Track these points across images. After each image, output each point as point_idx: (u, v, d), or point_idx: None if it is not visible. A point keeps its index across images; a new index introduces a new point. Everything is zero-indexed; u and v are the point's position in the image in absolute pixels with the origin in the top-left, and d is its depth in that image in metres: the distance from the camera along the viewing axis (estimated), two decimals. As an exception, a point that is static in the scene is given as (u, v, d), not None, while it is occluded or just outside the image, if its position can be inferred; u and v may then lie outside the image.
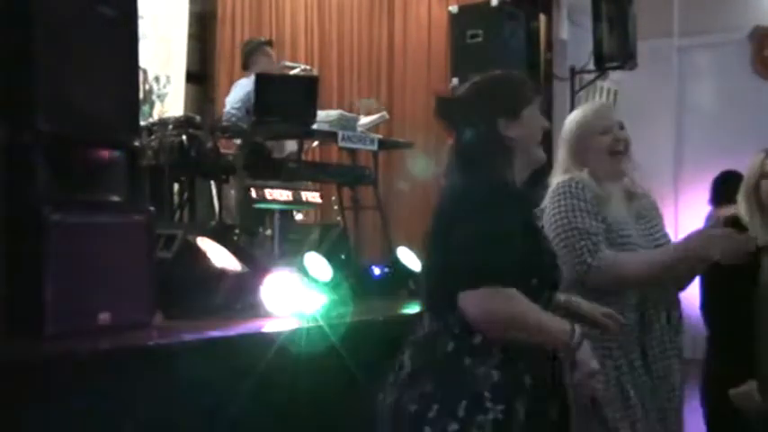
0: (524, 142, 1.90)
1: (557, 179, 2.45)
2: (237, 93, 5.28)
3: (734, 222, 2.79)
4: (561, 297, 2.07)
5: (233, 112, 5.15)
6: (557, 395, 1.88)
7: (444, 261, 1.82)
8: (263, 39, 5.85)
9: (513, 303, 1.75)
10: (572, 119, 2.59)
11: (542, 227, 2.27)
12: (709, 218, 5.82)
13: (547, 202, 2.42)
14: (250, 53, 5.49)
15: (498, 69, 2.04)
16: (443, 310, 1.81)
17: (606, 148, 2.49)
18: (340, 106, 6.11)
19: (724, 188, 5.63)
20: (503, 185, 1.87)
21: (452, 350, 1.78)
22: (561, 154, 2.52)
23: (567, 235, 2.31)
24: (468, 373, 1.76)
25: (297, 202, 4.40)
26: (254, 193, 4.12)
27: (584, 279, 2.30)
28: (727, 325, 2.80)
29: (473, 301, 1.73)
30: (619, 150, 2.51)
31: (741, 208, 2.84)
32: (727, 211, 5.56)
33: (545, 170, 2.28)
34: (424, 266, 2.01)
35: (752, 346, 2.70)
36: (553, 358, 1.88)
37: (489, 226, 1.77)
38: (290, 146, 5.22)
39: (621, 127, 2.60)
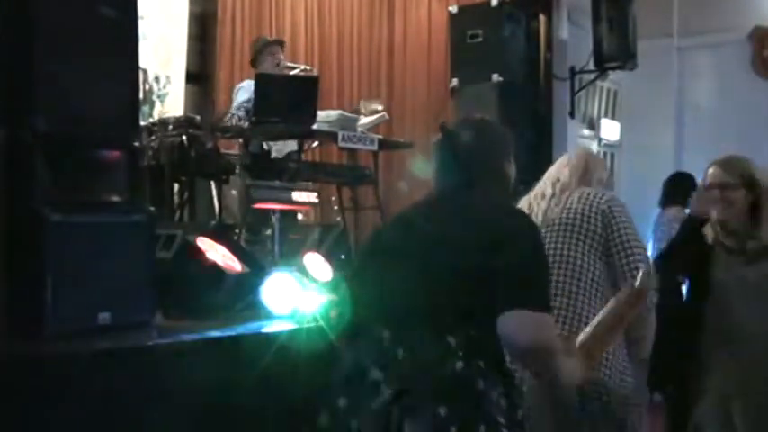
0: (512, 182, 2.10)
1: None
2: (243, 95, 5.28)
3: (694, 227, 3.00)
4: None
5: (241, 114, 5.15)
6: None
7: (487, 278, 1.77)
8: (270, 38, 5.85)
9: (556, 337, 1.85)
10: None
11: None
12: (657, 219, 5.89)
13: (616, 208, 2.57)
14: (258, 52, 5.50)
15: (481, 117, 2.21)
16: (448, 329, 1.77)
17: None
18: (340, 106, 6.11)
19: (672, 189, 5.73)
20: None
21: (462, 371, 1.73)
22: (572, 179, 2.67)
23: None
24: (484, 397, 1.72)
25: (297, 202, 4.39)
26: (254, 193, 4.11)
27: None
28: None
29: (529, 324, 1.73)
30: None
31: None
32: (676, 212, 5.73)
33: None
34: (419, 283, 1.86)
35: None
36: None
37: (542, 253, 1.89)
38: (290, 146, 5.22)
39: None
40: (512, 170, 2.09)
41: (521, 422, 1.79)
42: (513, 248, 1.79)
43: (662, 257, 3.19)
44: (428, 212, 2.01)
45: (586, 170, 2.75)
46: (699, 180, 5.91)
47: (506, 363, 1.85)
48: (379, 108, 5.41)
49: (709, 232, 2.94)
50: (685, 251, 3.02)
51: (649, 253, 5.92)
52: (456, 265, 1.81)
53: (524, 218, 2.04)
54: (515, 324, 1.72)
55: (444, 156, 2.06)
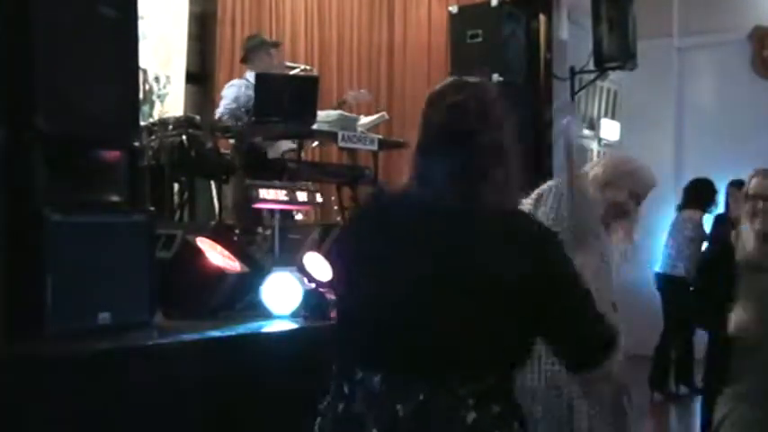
0: (518, 161, 1.71)
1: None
2: (231, 92, 5.28)
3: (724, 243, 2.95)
4: None
5: (226, 111, 5.16)
6: None
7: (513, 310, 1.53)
8: (268, 38, 5.85)
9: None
10: None
11: None
12: (674, 222, 6.01)
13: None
14: (252, 49, 5.49)
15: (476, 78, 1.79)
16: (457, 377, 1.52)
17: None
18: (339, 103, 6.11)
19: (690, 194, 5.92)
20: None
21: (474, 423, 1.51)
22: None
23: None
24: None
25: (296, 202, 4.39)
26: (253, 193, 4.11)
27: None
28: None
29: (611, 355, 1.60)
30: None
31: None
32: (691, 213, 5.82)
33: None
34: (415, 311, 1.56)
35: None
36: None
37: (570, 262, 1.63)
38: (285, 145, 5.22)
39: None
40: (515, 147, 1.70)
41: None
42: (548, 277, 1.55)
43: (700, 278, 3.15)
44: (415, 214, 1.64)
45: None
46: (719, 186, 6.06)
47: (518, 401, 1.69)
48: (368, 97, 5.40)
49: (740, 243, 2.84)
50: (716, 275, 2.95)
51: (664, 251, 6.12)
52: (467, 293, 1.53)
53: (535, 223, 1.71)
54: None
55: (430, 131, 1.68)
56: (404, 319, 1.55)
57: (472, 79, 1.73)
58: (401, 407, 1.51)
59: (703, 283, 3.04)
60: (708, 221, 6.09)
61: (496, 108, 1.69)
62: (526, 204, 2.53)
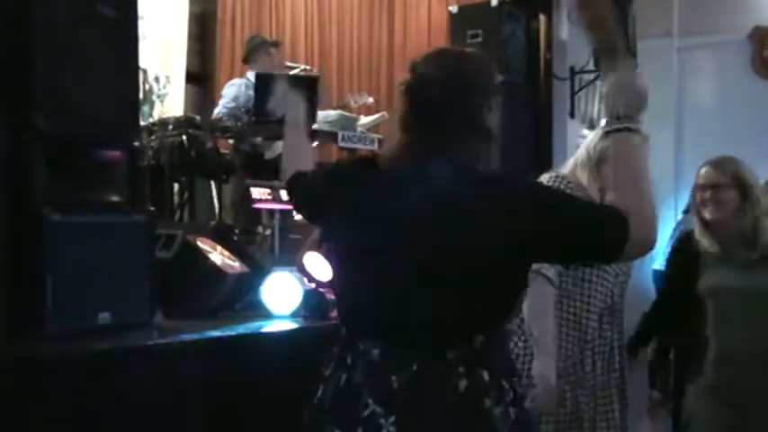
0: (495, 134, 1.73)
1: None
2: (231, 91, 5.29)
3: (686, 235, 3.04)
4: None
5: (224, 111, 5.16)
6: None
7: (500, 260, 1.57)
8: (269, 38, 5.86)
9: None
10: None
11: None
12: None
13: None
14: (253, 49, 5.51)
15: (459, 48, 1.87)
16: (447, 341, 1.59)
17: None
18: (340, 107, 6.11)
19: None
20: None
21: (466, 390, 1.57)
22: (583, 178, 2.59)
23: None
24: (490, 416, 1.58)
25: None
26: (253, 193, 4.12)
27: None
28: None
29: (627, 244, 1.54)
30: None
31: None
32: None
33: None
34: (405, 284, 1.61)
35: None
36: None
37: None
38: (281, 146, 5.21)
39: None
40: (494, 119, 1.70)
41: (527, 420, 1.70)
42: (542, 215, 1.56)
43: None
44: (392, 185, 1.66)
45: None
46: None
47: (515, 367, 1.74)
48: (369, 101, 5.40)
49: (701, 237, 2.90)
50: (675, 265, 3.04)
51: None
52: (448, 257, 1.57)
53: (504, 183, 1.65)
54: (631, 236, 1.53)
55: (406, 104, 1.70)
56: (395, 291, 1.61)
57: (454, 49, 1.79)
58: (396, 377, 1.57)
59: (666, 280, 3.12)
60: None
61: (472, 78, 1.70)
62: None
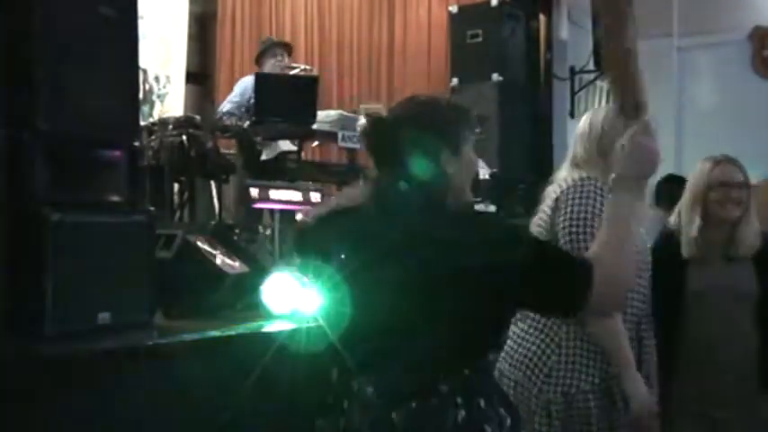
0: (460, 182, 1.75)
1: (573, 174, 2.42)
2: (239, 86, 5.31)
3: (667, 237, 2.87)
4: None
5: (228, 105, 5.18)
6: None
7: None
8: (276, 39, 5.87)
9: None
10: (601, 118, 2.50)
11: None
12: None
13: (565, 196, 2.35)
14: (262, 53, 5.54)
15: (432, 96, 1.94)
16: (438, 374, 1.60)
17: None
18: (340, 106, 6.12)
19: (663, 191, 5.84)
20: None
21: (464, 421, 1.58)
22: (579, 149, 2.48)
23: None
24: None
25: (296, 202, 4.39)
26: (253, 193, 4.12)
27: None
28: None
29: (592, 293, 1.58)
30: None
31: (682, 217, 2.85)
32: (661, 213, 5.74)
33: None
34: (394, 317, 1.62)
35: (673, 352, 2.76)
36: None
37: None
38: (282, 145, 5.22)
39: None
40: (456, 165, 1.72)
41: None
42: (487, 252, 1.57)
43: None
44: (376, 226, 1.69)
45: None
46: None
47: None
48: (379, 107, 5.41)
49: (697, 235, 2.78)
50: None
51: None
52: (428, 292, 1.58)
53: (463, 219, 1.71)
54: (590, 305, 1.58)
55: (372, 143, 1.78)
56: (380, 327, 1.62)
57: (423, 96, 1.87)
58: (395, 414, 1.58)
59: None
60: None
61: (430, 122, 1.74)
62: (544, 208, 2.42)
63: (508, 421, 1.65)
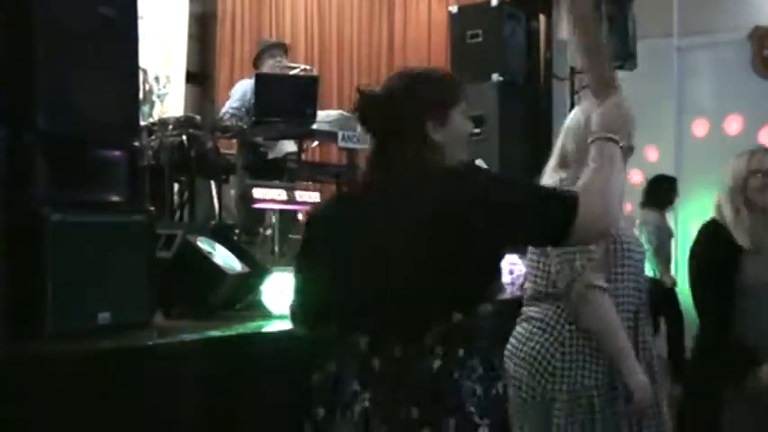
0: (451, 147, 1.78)
1: (555, 177, 2.44)
2: (237, 91, 5.31)
3: (716, 226, 2.90)
4: None
5: (231, 111, 5.17)
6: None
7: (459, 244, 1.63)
8: (274, 41, 5.87)
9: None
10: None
11: None
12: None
13: None
14: (260, 55, 5.54)
15: (425, 67, 1.99)
16: (426, 324, 1.66)
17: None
18: (340, 106, 6.12)
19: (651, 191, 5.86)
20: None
21: (439, 369, 1.65)
22: (569, 145, 2.47)
23: None
24: (456, 388, 1.65)
25: (296, 202, 4.40)
26: (253, 193, 4.12)
27: None
28: (710, 325, 2.88)
29: (580, 220, 1.64)
30: None
31: (725, 209, 2.89)
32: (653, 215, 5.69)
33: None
34: (387, 278, 1.69)
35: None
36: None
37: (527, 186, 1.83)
38: (287, 146, 5.23)
39: None
40: (445, 133, 1.77)
41: (497, 400, 1.72)
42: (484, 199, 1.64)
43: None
44: (367, 191, 1.82)
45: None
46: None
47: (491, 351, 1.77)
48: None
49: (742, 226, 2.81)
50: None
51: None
52: (414, 249, 1.65)
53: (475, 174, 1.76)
54: (578, 229, 1.64)
55: (364, 117, 1.83)
56: (376, 285, 1.69)
57: (407, 69, 1.88)
58: (377, 361, 1.66)
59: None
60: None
61: (413, 94, 1.78)
62: None
63: (479, 371, 1.68)
